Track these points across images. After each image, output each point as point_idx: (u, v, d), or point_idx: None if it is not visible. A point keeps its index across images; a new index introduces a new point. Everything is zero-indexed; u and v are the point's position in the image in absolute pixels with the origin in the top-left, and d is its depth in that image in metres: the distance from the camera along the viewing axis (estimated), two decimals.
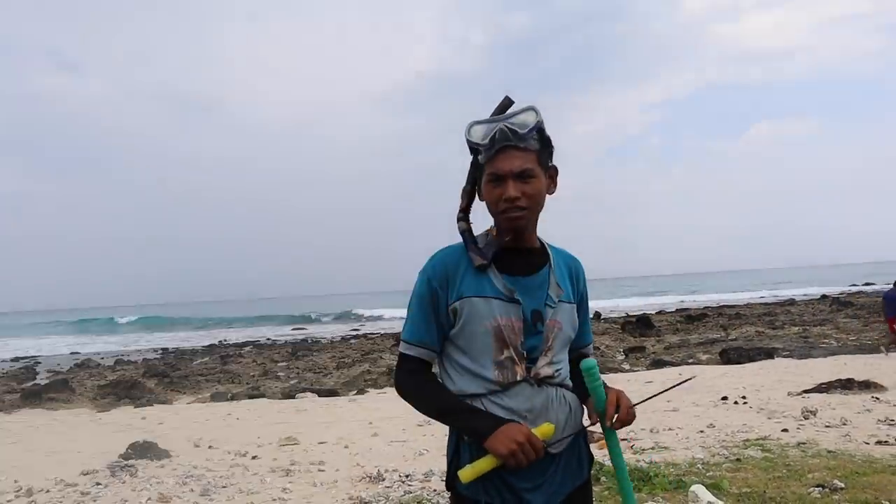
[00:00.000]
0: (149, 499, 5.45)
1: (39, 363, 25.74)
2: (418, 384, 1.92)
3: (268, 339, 33.95)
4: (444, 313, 1.89)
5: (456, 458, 1.88)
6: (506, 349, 1.83)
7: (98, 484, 6.00)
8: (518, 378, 1.83)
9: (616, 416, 1.82)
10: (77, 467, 6.64)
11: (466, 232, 1.94)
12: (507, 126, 1.82)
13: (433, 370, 1.97)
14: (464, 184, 1.98)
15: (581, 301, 2.02)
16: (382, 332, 32.21)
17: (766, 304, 35.72)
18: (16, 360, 28.47)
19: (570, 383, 1.97)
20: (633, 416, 1.85)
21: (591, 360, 1.82)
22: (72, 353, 29.67)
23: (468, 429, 1.83)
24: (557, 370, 1.91)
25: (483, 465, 1.75)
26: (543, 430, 1.76)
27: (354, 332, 33.92)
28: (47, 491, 5.84)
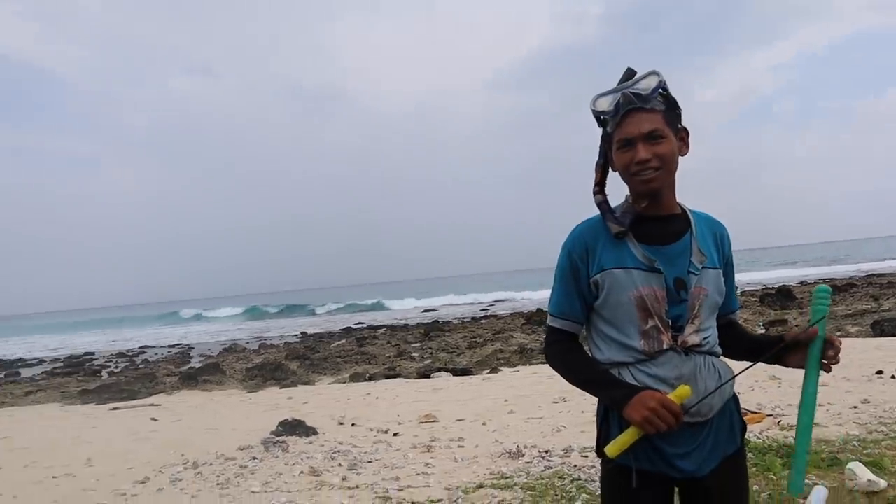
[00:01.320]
0: (301, 472, 5.75)
1: (192, 348, 27.51)
2: (564, 356, 1.97)
3: (400, 320, 34.79)
4: (585, 286, 1.92)
5: (605, 426, 1.91)
6: (650, 318, 1.84)
7: (254, 458, 6.39)
8: (664, 347, 1.84)
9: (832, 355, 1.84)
10: (234, 443, 7.10)
11: (603, 203, 1.95)
12: (630, 91, 1.84)
13: (581, 340, 2.00)
14: (596, 158, 2.00)
15: (726, 266, 2.00)
16: (512, 311, 32.26)
17: None
18: (172, 346, 30.57)
19: (719, 350, 1.96)
20: (837, 361, 1.85)
21: (826, 287, 1.84)
22: (218, 341, 31.37)
23: (607, 399, 1.87)
24: (705, 338, 1.89)
25: (627, 437, 1.78)
26: (679, 392, 1.76)
27: (484, 313, 34.16)
28: (210, 464, 6.29)
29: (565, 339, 1.98)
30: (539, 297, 41.31)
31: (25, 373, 22.94)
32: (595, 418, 1.98)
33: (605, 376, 1.87)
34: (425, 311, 43.65)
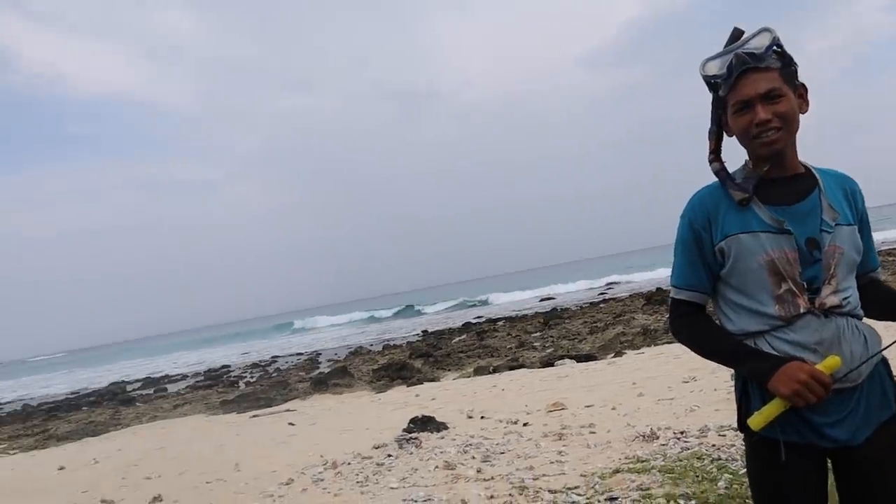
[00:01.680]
0: (436, 466, 5.86)
1: (320, 354, 28.44)
2: (693, 328, 1.90)
3: (518, 311, 34.75)
4: (710, 254, 1.85)
5: (745, 400, 1.84)
6: (783, 282, 1.76)
7: (389, 455, 6.55)
8: (801, 310, 1.75)
9: None
10: (368, 442, 7.30)
11: (721, 171, 1.89)
12: (742, 51, 1.76)
13: (708, 311, 1.95)
14: (708, 125, 1.93)
15: (861, 222, 1.88)
16: (631, 292, 31.62)
17: None
18: (300, 354, 31.71)
19: (861, 312, 1.84)
20: None
21: None
22: (343, 346, 32.26)
23: (748, 371, 1.79)
24: (845, 298, 1.79)
25: (772, 409, 1.70)
26: (829, 363, 1.66)
27: (602, 297, 33.64)
28: (348, 463, 6.50)
29: (692, 312, 1.91)
30: (655, 276, 40.33)
31: (171, 388, 24.45)
32: (733, 393, 1.91)
33: (742, 347, 1.80)
34: (542, 299, 43.38)
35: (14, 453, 13.33)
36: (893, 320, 1.90)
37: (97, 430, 14.87)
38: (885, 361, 1.87)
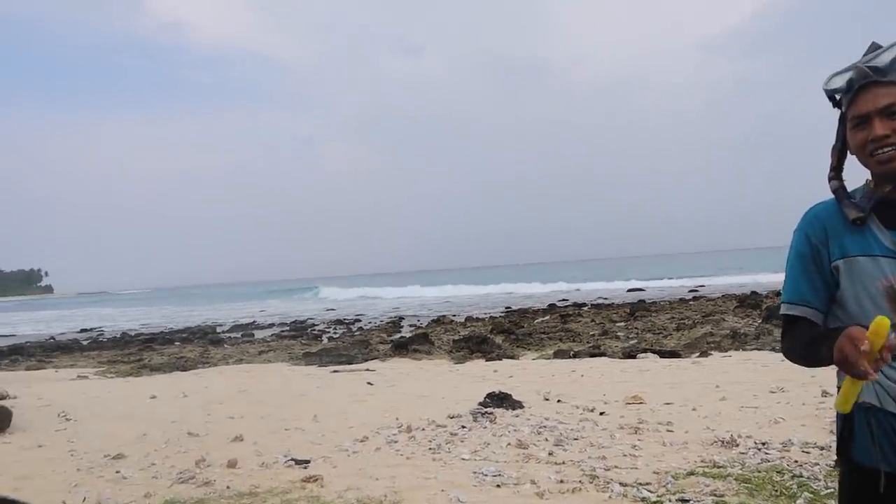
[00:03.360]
0: (508, 444, 5.90)
1: (403, 319, 28.91)
2: (806, 349, 1.77)
3: (605, 298, 34.35)
4: (828, 271, 1.77)
5: (848, 427, 1.78)
6: None
7: (463, 427, 6.64)
8: None
9: None
10: (444, 411, 7.42)
11: (839, 189, 1.80)
12: (865, 65, 1.68)
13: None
14: (833, 141, 1.85)
15: None
16: (723, 293, 30.75)
17: None
18: (384, 315, 32.35)
19: None
20: None
21: None
22: (427, 313, 32.66)
23: (825, 357, 1.62)
24: None
25: (846, 386, 1.57)
26: (877, 325, 1.47)
27: (693, 294, 32.84)
28: (422, 429, 6.63)
29: (807, 329, 1.80)
30: (752, 280, 39.06)
31: (258, 334, 25.38)
32: (821, 410, 1.85)
33: (821, 335, 1.68)
34: (630, 290, 42.69)
35: (112, 377, 14.18)
36: None
37: (187, 365, 15.63)
38: None
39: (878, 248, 1.70)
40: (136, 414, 8.16)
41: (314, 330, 25.94)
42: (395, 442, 6.24)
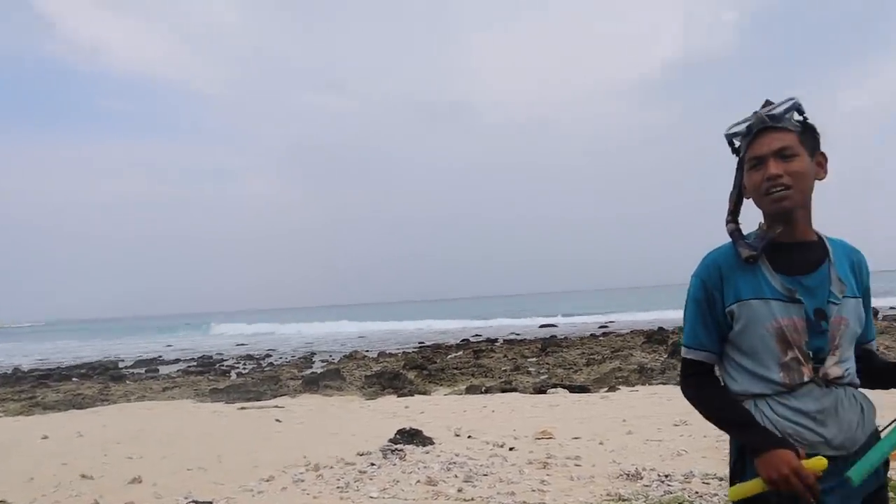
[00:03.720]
0: (418, 481, 5.84)
1: (315, 354, 28.44)
2: (702, 391, 1.93)
3: (517, 334, 34.71)
4: (721, 315, 1.88)
5: (740, 462, 1.86)
6: (790, 350, 1.79)
7: (372, 464, 6.54)
8: (805, 379, 1.79)
9: None
10: (353, 448, 7.29)
11: (735, 231, 1.92)
12: (763, 112, 1.83)
13: (716, 371, 1.98)
14: (730, 188, 1.97)
15: (864, 295, 1.92)
16: (631, 329, 31.55)
17: None
18: (295, 351, 31.75)
19: (857, 382, 1.88)
20: None
21: None
22: (339, 348, 32.27)
23: (744, 442, 1.82)
24: (847, 369, 1.82)
25: (753, 486, 1.74)
26: (814, 463, 1.68)
27: (603, 330, 33.57)
28: (331, 467, 6.49)
29: (703, 373, 1.94)
30: (658, 316, 40.23)
31: (163, 370, 24.49)
32: (721, 442, 1.95)
33: (744, 417, 1.82)
34: (542, 325, 43.29)
35: None
36: (881, 388, 1.93)
37: (84, 402, 14.91)
38: (876, 434, 1.90)
39: (768, 291, 1.81)
40: (25, 456, 7.70)
41: (222, 365, 25.23)
42: (302, 481, 6.08)
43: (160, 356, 32.26)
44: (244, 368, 23.67)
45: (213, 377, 20.61)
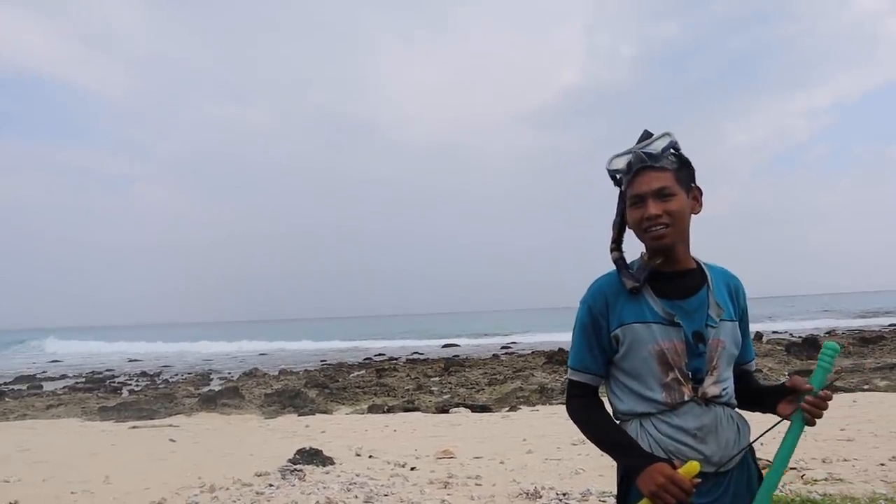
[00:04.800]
0: (317, 502, 5.75)
1: (213, 371, 27.61)
2: (585, 412, 2.02)
3: (420, 354, 34.71)
4: (606, 340, 1.98)
5: (624, 484, 1.95)
6: (671, 371, 1.90)
7: (270, 485, 6.39)
8: (686, 398, 1.90)
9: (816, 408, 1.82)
10: (251, 468, 7.11)
11: (619, 260, 2.03)
12: (641, 151, 1.94)
13: (601, 392, 2.06)
14: (614, 215, 2.07)
15: (742, 318, 2.06)
16: (533, 349, 32.07)
17: None
18: (192, 367, 30.75)
19: (735, 402, 2.01)
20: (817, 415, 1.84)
21: (834, 345, 1.85)
22: (239, 366, 31.47)
23: (622, 464, 1.93)
24: (724, 389, 1.95)
25: None
26: (688, 468, 1.78)
27: (505, 350, 33.99)
28: (227, 489, 6.30)
29: (587, 394, 2.03)
30: (559, 338, 41.02)
31: (48, 386, 23.21)
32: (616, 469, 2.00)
33: (623, 439, 1.91)
34: (445, 345, 43.43)
35: None
36: (758, 411, 2.03)
37: None
38: (752, 452, 2.02)
39: (650, 316, 1.92)
40: None
41: (113, 382, 24.16)
42: (197, 503, 5.88)
43: (44, 371, 30.61)
44: (137, 385, 22.75)
45: (102, 394, 19.70)
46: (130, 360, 38.00)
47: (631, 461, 1.85)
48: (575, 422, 2.04)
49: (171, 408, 15.18)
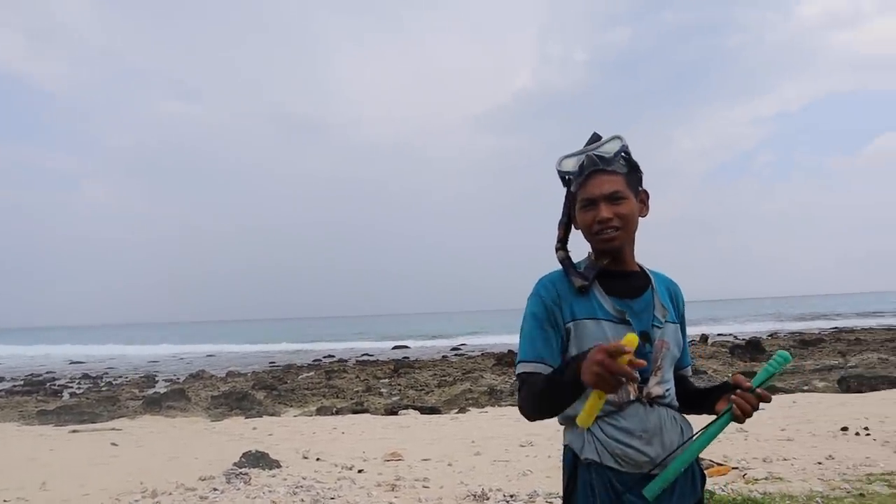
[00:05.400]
0: None
1: (158, 373, 27.08)
2: (531, 389, 1.88)
3: (370, 355, 34.57)
4: (562, 329, 1.93)
5: (572, 482, 1.91)
6: None
7: (215, 489, 6.27)
8: (631, 398, 1.88)
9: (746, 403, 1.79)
10: (195, 473, 6.97)
11: (565, 260, 2.02)
12: (594, 153, 1.93)
13: None
14: (560, 216, 2.07)
15: (681, 322, 2.07)
16: (483, 351, 32.20)
17: (889, 328, 33.55)
18: (137, 369, 30.10)
19: (677, 404, 2.00)
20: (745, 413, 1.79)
21: (787, 355, 1.83)
22: (185, 367, 30.93)
23: (570, 384, 1.68)
24: (667, 390, 1.95)
25: (591, 402, 1.60)
26: (627, 338, 1.56)
27: (455, 352, 34.06)
28: (170, 494, 6.17)
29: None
30: (510, 340, 41.23)
31: None
32: (562, 465, 1.98)
33: (558, 370, 1.79)
34: (395, 347, 43.34)
35: None
36: (695, 413, 2.04)
37: None
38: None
39: (601, 313, 1.91)
40: None
41: (53, 385, 23.51)
42: None
43: None
44: (79, 388, 22.16)
45: (42, 398, 19.17)
46: (72, 363, 37.04)
47: (571, 367, 1.67)
48: (524, 407, 1.90)
49: (114, 411, 14.85)
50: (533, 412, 1.91)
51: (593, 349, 1.58)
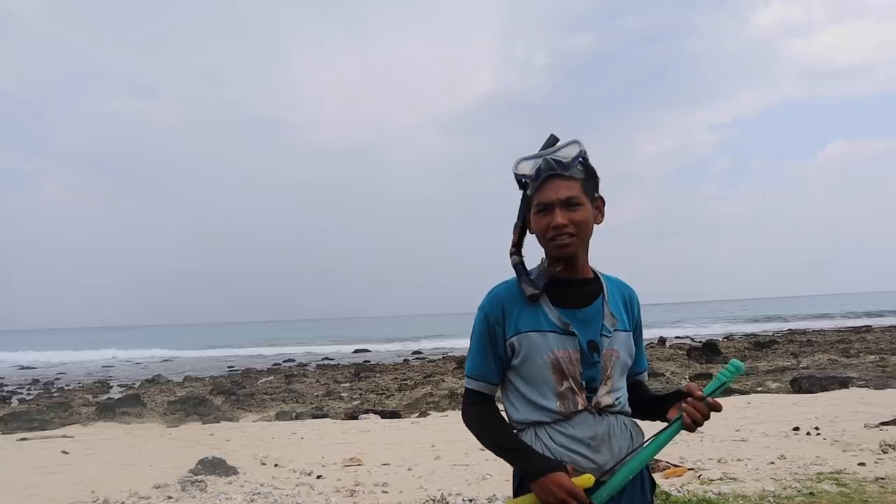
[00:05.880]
0: None
1: (112, 378, 26.55)
2: (480, 418, 2.00)
3: (330, 359, 34.34)
4: (501, 348, 1.97)
5: (521, 490, 1.94)
6: (565, 380, 1.90)
7: (169, 498, 6.15)
8: (580, 407, 1.90)
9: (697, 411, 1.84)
10: (150, 480, 6.83)
11: (519, 265, 2.02)
12: (551, 158, 1.92)
13: (497, 400, 2.05)
14: (515, 219, 2.07)
15: (636, 328, 2.08)
16: (444, 354, 32.19)
17: (839, 330, 34.35)
18: (90, 374, 29.48)
19: (629, 410, 2.03)
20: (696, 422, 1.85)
21: (740, 365, 1.87)
22: (140, 372, 30.40)
23: (520, 469, 1.90)
24: (618, 398, 1.96)
25: (527, 501, 1.83)
26: (583, 480, 1.80)
27: (416, 355, 34.01)
28: (122, 503, 6.03)
29: (482, 402, 2.00)
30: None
31: None
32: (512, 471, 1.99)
33: (520, 445, 1.90)
34: (356, 350, 43.13)
35: None
36: (649, 419, 2.07)
37: None
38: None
39: (546, 325, 1.92)
40: None
41: (1, 391, 22.89)
42: None
43: None
44: (28, 394, 21.63)
45: None
46: (22, 368, 36.13)
47: (527, 466, 1.84)
48: (470, 428, 2.02)
49: (66, 417, 14.52)
50: (473, 433, 2.03)
51: (561, 477, 1.77)
